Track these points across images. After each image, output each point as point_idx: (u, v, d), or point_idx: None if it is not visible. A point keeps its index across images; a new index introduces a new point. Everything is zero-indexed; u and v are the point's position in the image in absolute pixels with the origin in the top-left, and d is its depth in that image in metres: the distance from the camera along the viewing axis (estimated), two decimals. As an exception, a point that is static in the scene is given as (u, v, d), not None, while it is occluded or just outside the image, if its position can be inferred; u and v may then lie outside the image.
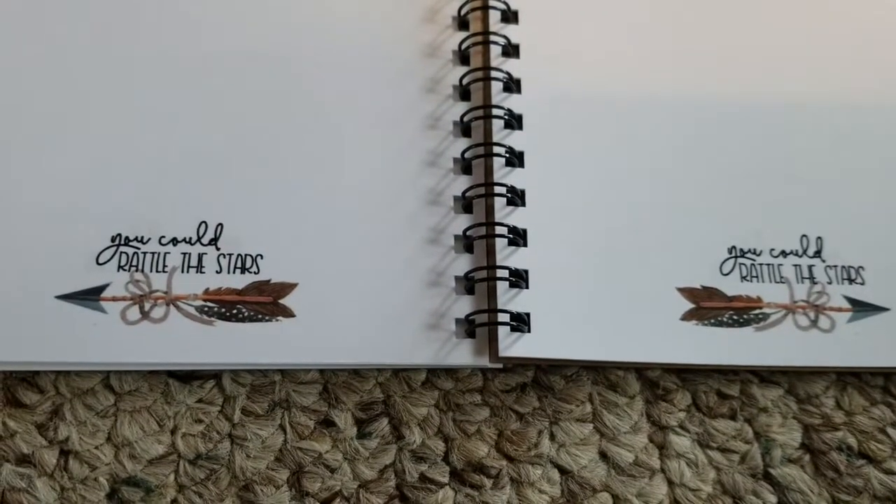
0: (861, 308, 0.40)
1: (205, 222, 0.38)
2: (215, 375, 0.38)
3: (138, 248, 0.37)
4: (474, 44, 0.42)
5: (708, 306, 0.39)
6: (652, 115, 0.42)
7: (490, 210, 0.39)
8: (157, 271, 0.37)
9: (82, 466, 0.36)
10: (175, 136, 0.40)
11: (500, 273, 0.38)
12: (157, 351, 0.36)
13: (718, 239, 0.41)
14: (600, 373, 0.39)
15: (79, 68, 0.40)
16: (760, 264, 0.40)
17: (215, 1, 0.42)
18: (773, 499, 0.38)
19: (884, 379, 0.40)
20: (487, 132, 0.41)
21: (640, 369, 0.40)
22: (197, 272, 0.37)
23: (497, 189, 0.39)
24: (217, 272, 0.37)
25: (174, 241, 0.38)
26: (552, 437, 0.38)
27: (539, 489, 0.37)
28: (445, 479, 0.37)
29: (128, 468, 0.36)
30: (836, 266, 0.41)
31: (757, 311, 0.39)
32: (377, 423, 0.37)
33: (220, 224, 0.38)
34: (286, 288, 0.38)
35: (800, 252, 0.41)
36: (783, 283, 0.40)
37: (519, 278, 0.38)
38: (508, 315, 0.37)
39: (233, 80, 0.41)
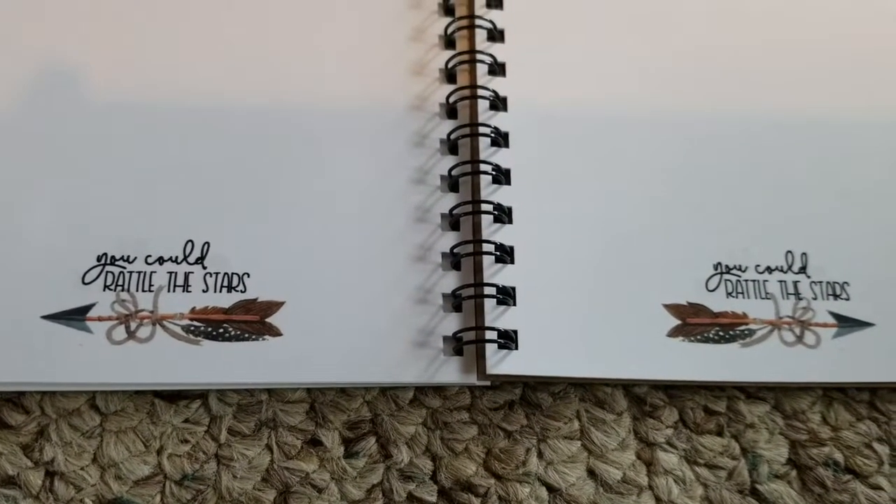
0: (846, 323, 0.40)
1: (191, 241, 0.38)
2: (201, 395, 0.38)
3: (124, 268, 0.37)
4: (461, 62, 0.42)
5: (694, 322, 0.39)
6: (637, 132, 0.43)
7: (477, 227, 0.39)
8: (143, 290, 0.37)
9: (68, 488, 0.35)
10: (161, 155, 0.40)
11: (488, 290, 0.38)
12: (143, 371, 0.36)
13: (704, 255, 0.41)
14: (588, 390, 0.40)
15: (67, 87, 0.40)
16: (746, 280, 0.40)
17: (202, 31, 0.43)
18: (760, 515, 0.38)
19: (869, 394, 0.41)
20: (474, 149, 0.41)
21: (627, 386, 0.40)
22: (183, 291, 0.37)
23: (484, 206, 0.39)
24: (203, 291, 0.37)
25: (160, 261, 0.38)
26: (540, 454, 0.38)
27: (527, 507, 0.37)
28: (433, 499, 0.37)
29: (114, 489, 0.36)
30: (821, 282, 0.41)
31: (743, 327, 0.40)
32: (364, 442, 0.37)
33: (207, 243, 0.38)
34: (273, 306, 0.38)
35: (785, 268, 0.41)
36: (769, 299, 0.40)
37: (506, 295, 0.38)
38: (496, 332, 0.37)
39: (219, 100, 0.41)
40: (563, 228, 0.40)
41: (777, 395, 0.40)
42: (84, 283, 0.37)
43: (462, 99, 0.42)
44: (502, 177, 0.40)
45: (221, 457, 0.37)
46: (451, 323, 0.38)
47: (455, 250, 0.39)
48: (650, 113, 0.43)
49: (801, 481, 0.39)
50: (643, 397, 0.40)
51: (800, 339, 0.40)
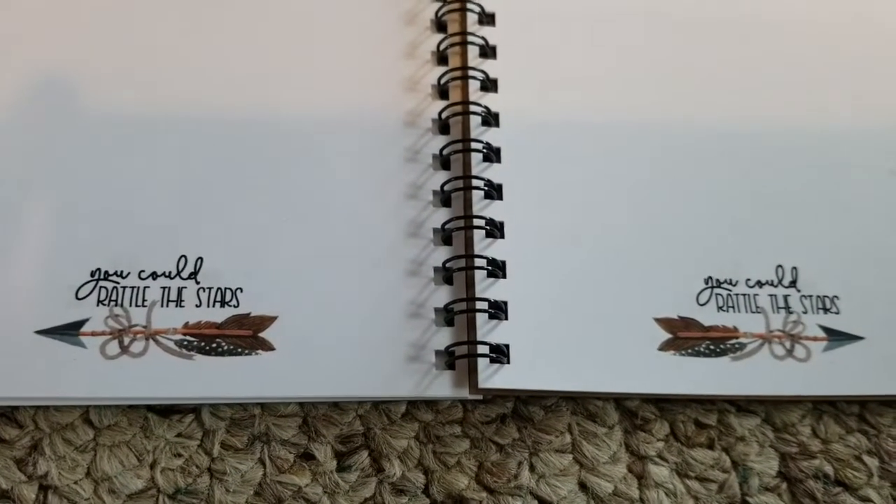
0: (836, 337, 0.41)
1: (184, 256, 0.38)
2: (194, 409, 0.38)
3: (118, 283, 0.38)
4: (453, 78, 0.43)
5: (685, 336, 0.40)
6: (628, 146, 0.43)
7: (469, 242, 0.40)
8: (136, 305, 0.37)
9: (62, 502, 0.36)
10: (155, 170, 0.40)
11: (480, 304, 0.38)
12: (136, 385, 0.36)
13: (695, 269, 0.41)
14: (579, 403, 0.40)
15: (61, 101, 0.41)
16: (736, 294, 0.41)
17: (198, 46, 0.43)
18: (751, 528, 0.38)
19: (859, 407, 0.41)
20: (466, 165, 0.41)
21: (618, 399, 0.40)
22: (176, 306, 0.37)
23: (476, 221, 0.40)
24: (197, 306, 0.38)
25: (154, 276, 0.38)
26: (532, 468, 0.38)
27: (519, 521, 0.37)
28: (425, 512, 0.37)
29: (107, 503, 0.36)
30: (811, 296, 0.41)
31: (733, 341, 0.40)
32: (357, 456, 0.37)
33: (200, 258, 0.38)
34: (266, 321, 0.38)
35: (775, 282, 0.41)
36: (759, 312, 0.41)
37: (498, 310, 0.39)
38: (488, 346, 0.38)
39: (214, 115, 0.41)
40: (555, 243, 0.40)
41: (767, 408, 0.40)
42: (78, 298, 0.37)
43: (454, 115, 0.42)
44: (494, 192, 0.41)
45: (214, 471, 0.37)
46: (444, 337, 0.38)
47: (447, 265, 0.40)
48: (641, 128, 0.44)
49: (791, 494, 0.39)
50: (634, 411, 0.40)
51: (790, 352, 0.40)
